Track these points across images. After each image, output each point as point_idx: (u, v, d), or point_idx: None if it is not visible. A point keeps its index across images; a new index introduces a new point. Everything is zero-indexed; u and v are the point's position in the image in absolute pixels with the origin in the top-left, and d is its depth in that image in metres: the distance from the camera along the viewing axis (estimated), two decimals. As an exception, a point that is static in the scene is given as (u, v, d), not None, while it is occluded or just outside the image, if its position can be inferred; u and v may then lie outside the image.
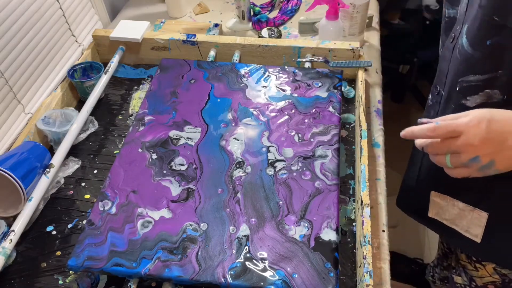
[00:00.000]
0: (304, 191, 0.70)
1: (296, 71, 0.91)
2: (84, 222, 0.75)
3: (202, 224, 0.66)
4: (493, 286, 0.86)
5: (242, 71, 0.92)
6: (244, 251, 0.63)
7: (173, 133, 0.80)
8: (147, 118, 0.83)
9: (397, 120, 1.30)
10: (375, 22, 1.17)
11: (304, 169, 0.73)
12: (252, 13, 1.16)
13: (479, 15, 0.56)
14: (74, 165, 0.83)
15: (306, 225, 0.66)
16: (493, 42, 0.56)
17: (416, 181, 0.81)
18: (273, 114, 0.82)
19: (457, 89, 0.64)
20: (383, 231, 0.72)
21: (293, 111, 0.83)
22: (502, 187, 0.67)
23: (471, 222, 0.73)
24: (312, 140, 0.77)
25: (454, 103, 0.66)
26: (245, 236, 0.65)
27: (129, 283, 0.63)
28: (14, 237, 0.68)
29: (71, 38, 1.05)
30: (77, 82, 0.94)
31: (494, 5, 0.54)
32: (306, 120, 0.81)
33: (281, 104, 0.84)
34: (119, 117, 0.94)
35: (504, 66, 0.56)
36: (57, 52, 1.00)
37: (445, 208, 0.77)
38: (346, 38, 1.05)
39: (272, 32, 1.10)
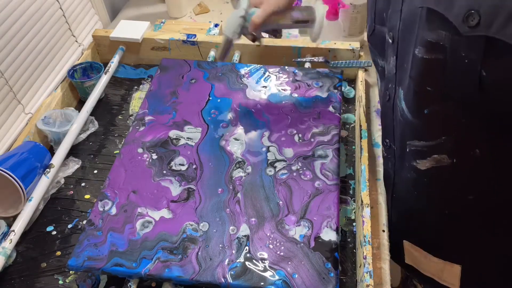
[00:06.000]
0: (304, 191, 0.70)
1: (296, 71, 0.91)
2: (84, 222, 0.75)
3: (202, 224, 0.66)
4: None
5: (242, 71, 0.92)
6: (244, 251, 0.63)
7: (173, 133, 0.80)
8: (147, 118, 0.83)
9: (397, 120, 1.29)
10: (375, 22, 1.17)
11: (304, 169, 0.73)
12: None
13: (412, 86, 0.53)
14: (74, 165, 0.83)
15: (306, 225, 0.66)
16: (430, 111, 0.53)
17: (389, 225, 0.75)
18: (273, 114, 0.82)
19: (407, 150, 0.61)
20: (383, 231, 0.72)
21: (293, 111, 0.83)
22: (474, 244, 0.65)
23: (446, 273, 0.71)
24: (312, 140, 0.77)
25: (408, 163, 0.63)
26: (245, 236, 0.65)
27: (129, 283, 0.63)
28: (14, 237, 0.68)
29: (71, 38, 1.05)
30: (77, 82, 0.94)
31: (424, 76, 0.51)
32: (306, 120, 0.81)
33: (281, 104, 0.84)
34: (119, 117, 0.94)
35: (447, 132, 0.54)
36: (57, 52, 1.00)
37: (419, 259, 0.75)
38: (346, 38, 1.05)
39: (272, 32, 1.10)
